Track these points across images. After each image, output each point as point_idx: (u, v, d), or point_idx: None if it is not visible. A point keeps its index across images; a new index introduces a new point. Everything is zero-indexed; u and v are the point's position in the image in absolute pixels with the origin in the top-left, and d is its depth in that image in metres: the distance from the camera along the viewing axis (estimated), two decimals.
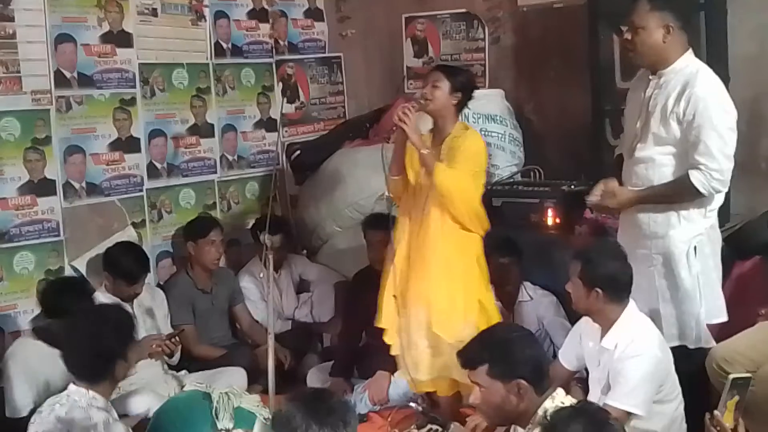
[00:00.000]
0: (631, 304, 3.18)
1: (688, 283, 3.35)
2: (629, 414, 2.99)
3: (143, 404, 3.75)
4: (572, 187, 4.43)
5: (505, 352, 2.68)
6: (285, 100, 5.36)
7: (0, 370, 3.74)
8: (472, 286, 3.63)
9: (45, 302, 3.83)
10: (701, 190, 3.24)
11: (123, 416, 3.52)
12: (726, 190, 3.33)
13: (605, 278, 3.12)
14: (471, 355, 2.76)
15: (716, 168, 3.21)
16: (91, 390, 2.83)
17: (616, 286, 3.13)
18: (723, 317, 3.45)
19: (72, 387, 2.85)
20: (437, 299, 3.58)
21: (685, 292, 3.36)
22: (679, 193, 3.31)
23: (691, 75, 3.29)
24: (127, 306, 4.08)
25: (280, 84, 5.41)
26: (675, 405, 3.19)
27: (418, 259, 3.65)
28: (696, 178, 3.23)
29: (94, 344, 2.83)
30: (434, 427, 3.59)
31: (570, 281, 3.22)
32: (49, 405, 2.86)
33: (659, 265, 3.38)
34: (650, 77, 3.40)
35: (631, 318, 3.16)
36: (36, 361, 3.61)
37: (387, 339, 3.74)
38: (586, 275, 3.14)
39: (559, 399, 2.67)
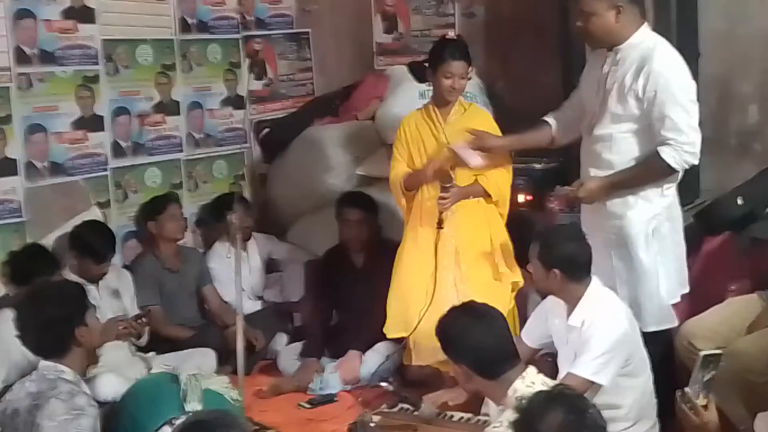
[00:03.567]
0: (595, 281, 3.18)
1: (647, 264, 3.35)
2: (592, 384, 2.99)
3: (110, 388, 3.68)
4: (543, 164, 4.42)
5: (453, 339, 2.79)
6: (252, 76, 5.29)
7: None
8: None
9: (11, 271, 3.79)
10: (674, 165, 3.24)
11: None
12: (697, 162, 3.33)
13: (562, 259, 3.13)
14: (439, 339, 2.87)
15: (686, 141, 3.22)
16: (60, 364, 2.84)
17: (574, 267, 3.14)
18: (685, 289, 3.47)
19: (42, 363, 2.87)
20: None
21: (643, 274, 3.36)
22: (651, 172, 3.30)
23: (647, 50, 3.27)
24: (92, 287, 4.04)
25: (248, 60, 5.31)
26: (644, 379, 3.20)
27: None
28: (667, 153, 3.22)
29: (43, 318, 2.84)
30: (405, 406, 3.58)
31: (530, 263, 3.24)
32: (20, 382, 2.89)
33: (617, 246, 3.37)
34: (607, 52, 3.38)
35: (596, 294, 3.16)
36: (8, 335, 3.53)
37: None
38: (544, 257, 3.17)
39: (530, 379, 2.68)
